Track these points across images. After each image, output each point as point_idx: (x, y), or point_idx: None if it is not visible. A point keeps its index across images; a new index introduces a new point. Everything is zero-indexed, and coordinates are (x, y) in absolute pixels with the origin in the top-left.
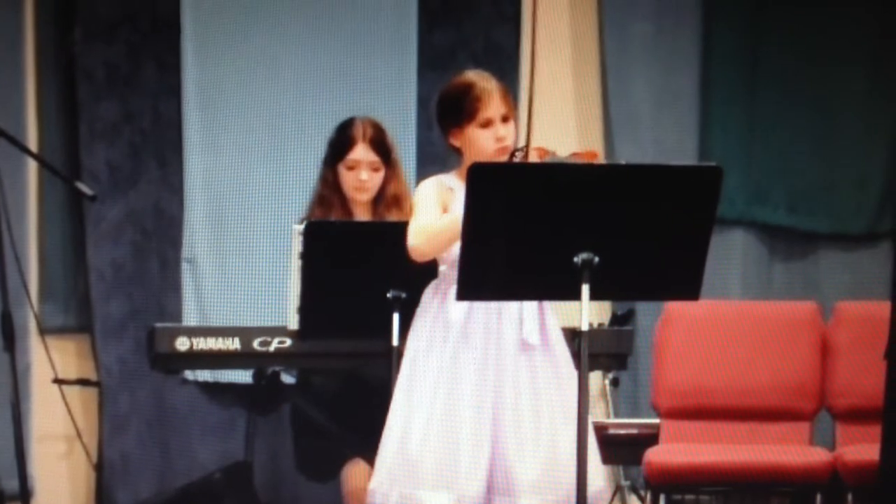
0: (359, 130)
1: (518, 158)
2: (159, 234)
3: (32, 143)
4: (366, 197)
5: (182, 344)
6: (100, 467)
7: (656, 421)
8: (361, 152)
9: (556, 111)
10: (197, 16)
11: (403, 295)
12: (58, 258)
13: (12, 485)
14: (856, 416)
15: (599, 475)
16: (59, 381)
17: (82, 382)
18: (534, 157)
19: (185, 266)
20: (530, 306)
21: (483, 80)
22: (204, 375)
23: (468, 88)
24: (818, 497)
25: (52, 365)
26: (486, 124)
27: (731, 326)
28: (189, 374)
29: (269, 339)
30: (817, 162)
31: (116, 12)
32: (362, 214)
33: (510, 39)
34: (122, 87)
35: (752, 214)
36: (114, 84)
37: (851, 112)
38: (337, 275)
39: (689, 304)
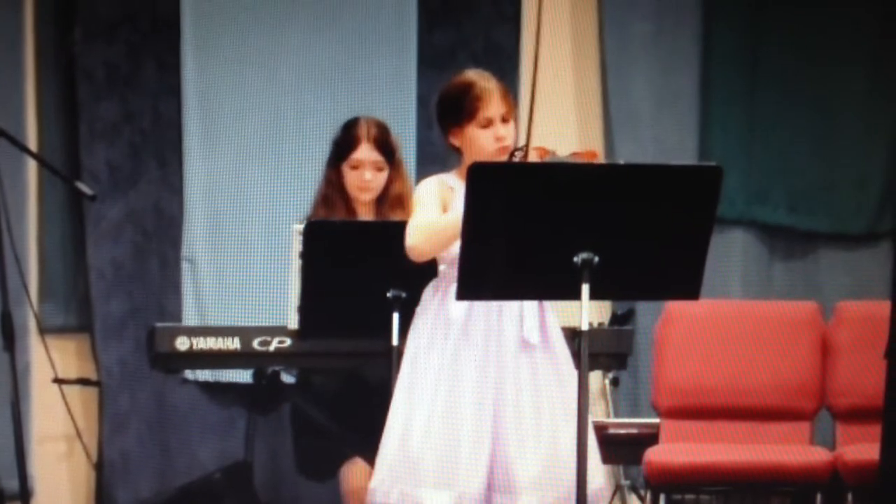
0: (363, 130)
1: (518, 158)
2: (159, 234)
3: (32, 143)
4: (369, 197)
5: (182, 344)
6: (100, 467)
7: (656, 420)
8: (365, 152)
9: (556, 110)
10: (197, 16)
11: (403, 294)
12: (58, 258)
13: (12, 484)
14: (856, 415)
15: (599, 474)
16: (59, 381)
17: (82, 382)
18: (534, 157)
19: (184, 266)
20: (531, 305)
21: (483, 80)
22: (204, 375)
23: (468, 88)
24: (818, 497)
25: (52, 364)
26: (486, 124)
27: (731, 326)
28: (189, 374)
29: (269, 338)
30: (817, 162)
31: (116, 12)
32: (366, 214)
33: (510, 39)
34: (122, 87)
35: (752, 214)
36: (114, 84)
37: (851, 112)
38: (337, 274)
39: (690, 304)
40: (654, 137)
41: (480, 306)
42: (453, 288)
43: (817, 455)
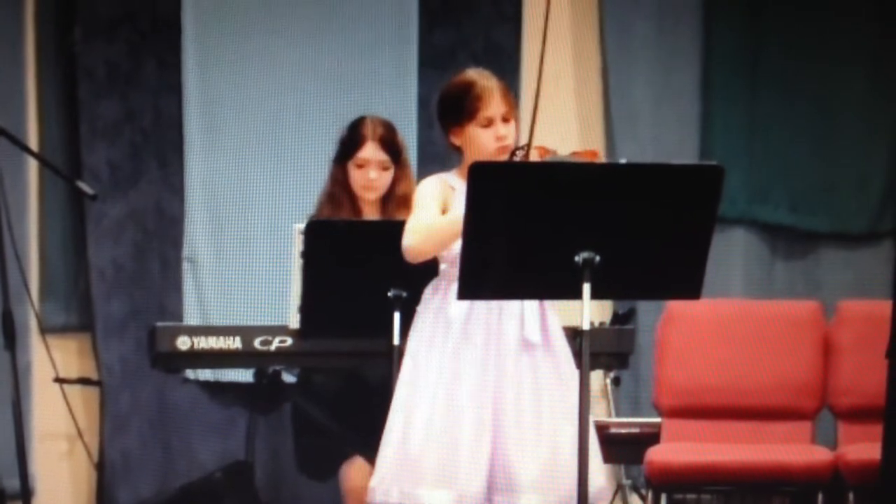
0: (369, 129)
1: (519, 157)
2: (160, 234)
3: (33, 142)
4: (374, 196)
5: (183, 343)
6: (101, 466)
7: (658, 420)
8: (371, 151)
9: (557, 110)
10: (198, 15)
11: (404, 294)
12: (59, 257)
13: (13, 484)
14: (858, 415)
15: (600, 474)
16: (60, 381)
17: (83, 381)
18: (534, 157)
19: (185, 265)
20: (531, 305)
21: (484, 79)
22: (205, 374)
23: (469, 87)
24: (820, 496)
25: (53, 364)
26: (487, 123)
27: (732, 325)
28: (190, 374)
29: (269, 338)
30: (818, 161)
31: (117, 11)
32: (371, 213)
33: (510, 39)
34: (123, 86)
35: (753, 213)
36: (114, 83)
37: (852, 111)
38: (338, 274)
39: (691, 303)
40: (654, 137)
41: (481, 306)
42: (454, 287)
43: (819, 455)
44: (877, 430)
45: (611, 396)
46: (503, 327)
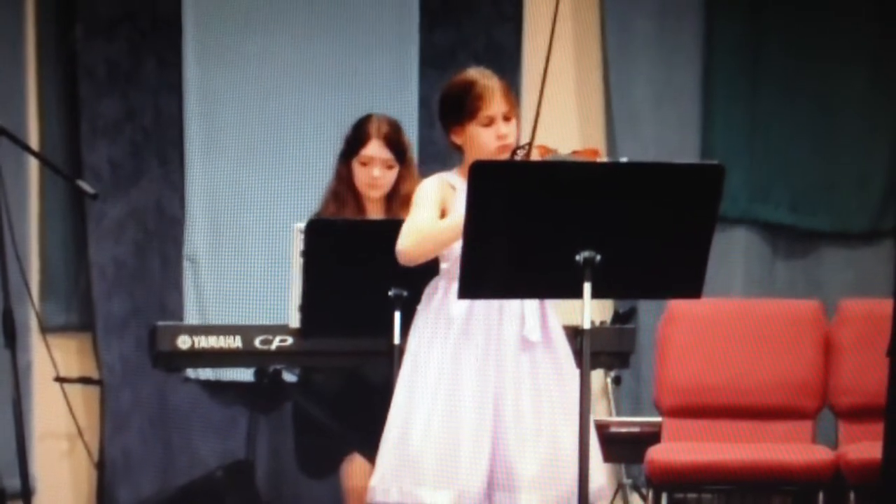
0: (374, 127)
1: (520, 156)
2: (161, 233)
3: (34, 141)
4: (377, 194)
5: (183, 342)
6: (101, 465)
7: (658, 419)
8: (375, 149)
9: (557, 108)
10: (198, 14)
11: (405, 293)
12: (59, 256)
13: (14, 483)
14: (859, 414)
15: (600, 473)
16: (60, 380)
17: (84, 381)
18: (535, 156)
19: (186, 264)
20: (532, 303)
21: (485, 78)
22: (205, 374)
23: (470, 86)
24: (821, 495)
25: (53, 363)
26: (488, 122)
27: (733, 325)
28: (191, 373)
29: (270, 337)
30: (819, 160)
31: (117, 10)
32: (375, 211)
33: (511, 38)
34: (124, 85)
35: (754, 212)
36: (115, 81)
37: (852, 110)
38: (338, 273)
39: (692, 303)
40: (655, 136)
41: (481, 305)
42: (454, 286)
43: (820, 454)
44: (878, 429)
45: (611, 395)
46: (503, 326)
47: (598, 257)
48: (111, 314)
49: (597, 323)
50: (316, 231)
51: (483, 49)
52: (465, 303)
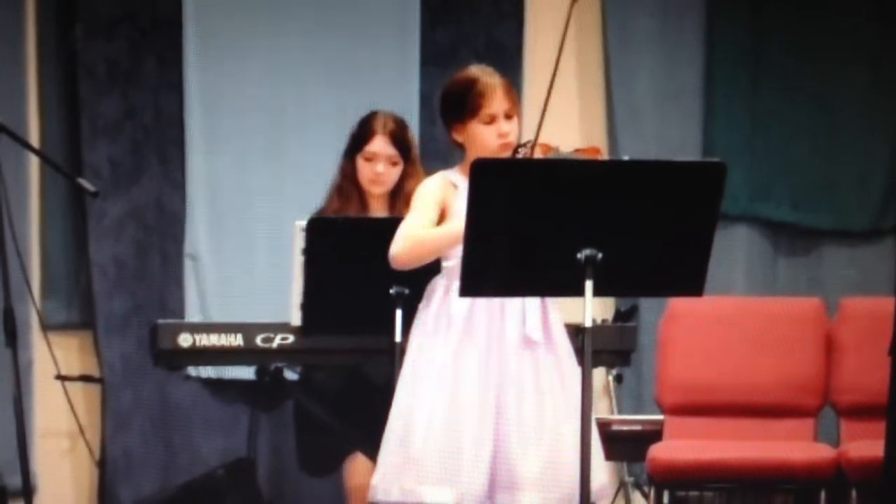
0: (379, 123)
1: (522, 154)
2: (161, 231)
3: (34, 139)
4: (380, 190)
5: (185, 340)
6: (102, 464)
7: (660, 417)
8: (380, 145)
9: (559, 106)
10: (198, 12)
11: (406, 291)
12: (60, 254)
13: (15, 481)
14: (860, 412)
15: (602, 471)
16: (61, 378)
17: (85, 379)
18: (536, 154)
19: (187, 262)
20: (533, 302)
21: (486, 76)
22: (207, 372)
23: (471, 84)
24: (822, 494)
25: (54, 361)
26: (490, 120)
27: (734, 323)
28: (192, 371)
29: (271, 335)
30: (820, 158)
31: (117, 9)
32: (379, 208)
33: (512, 36)
34: (124, 83)
35: (755, 210)
36: (115, 80)
37: (854, 109)
38: (340, 271)
39: (693, 301)
40: (657, 134)
41: (483, 303)
42: (456, 284)
43: (821, 452)
44: (879, 427)
45: (613, 394)
46: (505, 325)
47: (600, 255)
48: (112, 312)
49: (598, 321)
50: (317, 229)
51: (484, 46)
52: (467, 301)
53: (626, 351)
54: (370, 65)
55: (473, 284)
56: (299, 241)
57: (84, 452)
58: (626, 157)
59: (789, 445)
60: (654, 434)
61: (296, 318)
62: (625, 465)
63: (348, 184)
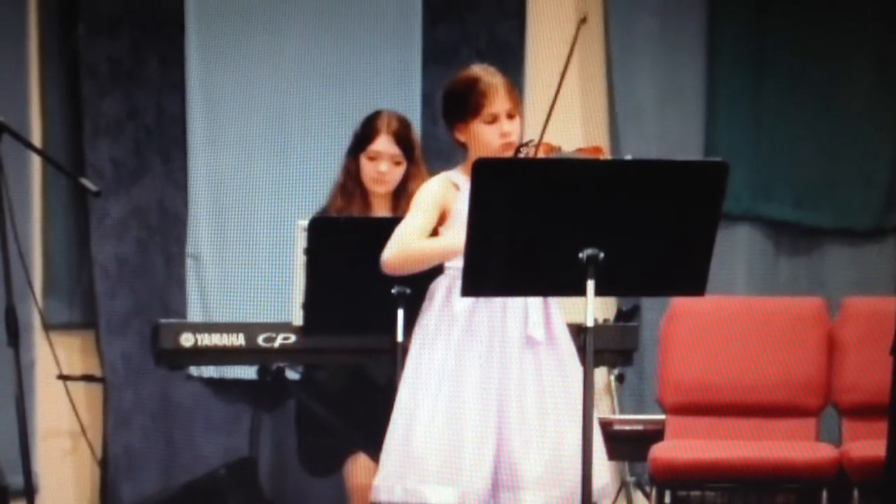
0: (383, 122)
1: (524, 153)
2: (163, 230)
3: (36, 139)
4: (383, 189)
5: (186, 340)
6: (104, 463)
7: (662, 417)
8: (383, 144)
9: (561, 106)
10: (200, 12)
11: (408, 291)
12: (62, 254)
13: (17, 480)
14: (862, 412)
15: (604, 471)
16: (63, 377)
17: (87, 378)
18: (539, 153)
19: (189, 262)
20: (535, 302)
21: (488, 75)
22: (208, 371)
23: (473, 83)
24: (824, 493)
25: (56, 361)
26: (492, 120)
27: (736, 322)
28: (194, 370)
29: (273, 335)
30: (823, 157)
31: (119, 8)
32: (382, 207)
33: (514, 35)
34: (126, 83)
35: (757, 210)
36: (117, 80)
37: (857, 108)
38: (341, 270)
39: (695, 300)
40: (659, 133)
41: (485, 303)
42: (458, 284)
43: (823, 452)
44: (881, 426)
45: (615, 393)
46: (507, 324)
47: (602, 255)
48: (114, 312)
49: (600, 321)
50: (319, 228)
51: (486, 45)
52: (469, 301)
53: (628, 350)
54: (372, 64)
55: (475, 284)
56: (301, 241)
57: (86, 452)
58: (628, 157)
59: (791, 445)
60: (655, 434)
61: (298, 318)
62: (626, 464)
63: (352, 183)
